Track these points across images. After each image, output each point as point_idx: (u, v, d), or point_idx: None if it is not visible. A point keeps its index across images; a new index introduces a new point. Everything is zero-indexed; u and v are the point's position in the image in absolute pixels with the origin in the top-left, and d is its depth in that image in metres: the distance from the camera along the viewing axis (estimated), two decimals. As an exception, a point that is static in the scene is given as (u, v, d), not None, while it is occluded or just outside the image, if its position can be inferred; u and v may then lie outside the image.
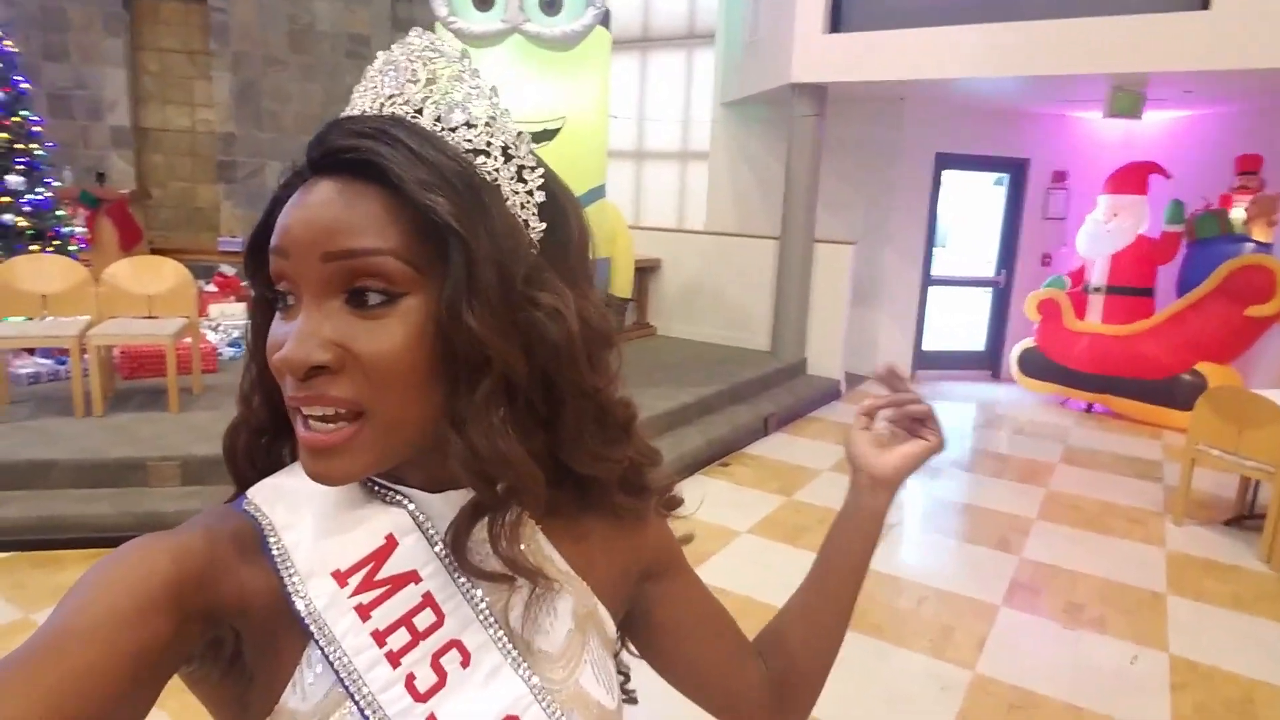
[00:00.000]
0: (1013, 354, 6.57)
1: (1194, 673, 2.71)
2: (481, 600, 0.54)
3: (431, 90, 0.51)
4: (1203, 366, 5.44)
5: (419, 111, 0.51)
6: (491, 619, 0.54)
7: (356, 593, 0.51)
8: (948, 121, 6.72)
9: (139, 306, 4.20)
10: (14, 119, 4.82)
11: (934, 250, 7.11)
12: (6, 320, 3.96)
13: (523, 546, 0.56)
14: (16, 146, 4.81)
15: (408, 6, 8.28)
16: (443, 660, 0.52)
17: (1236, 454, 3.70)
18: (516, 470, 0.51)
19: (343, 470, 0.49)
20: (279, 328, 0.49)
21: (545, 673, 0.55)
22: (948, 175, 6.99)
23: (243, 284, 5.98)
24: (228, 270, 6.08)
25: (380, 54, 0.53)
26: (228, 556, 0.50)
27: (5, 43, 4.97)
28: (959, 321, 7.83)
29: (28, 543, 3.08)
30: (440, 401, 0.49)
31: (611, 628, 0.63)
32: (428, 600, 0.52)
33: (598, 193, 4.82)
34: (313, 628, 0.50)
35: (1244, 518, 3.97)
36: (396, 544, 0.53)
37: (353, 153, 0.48)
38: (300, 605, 0.50)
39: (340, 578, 0.51)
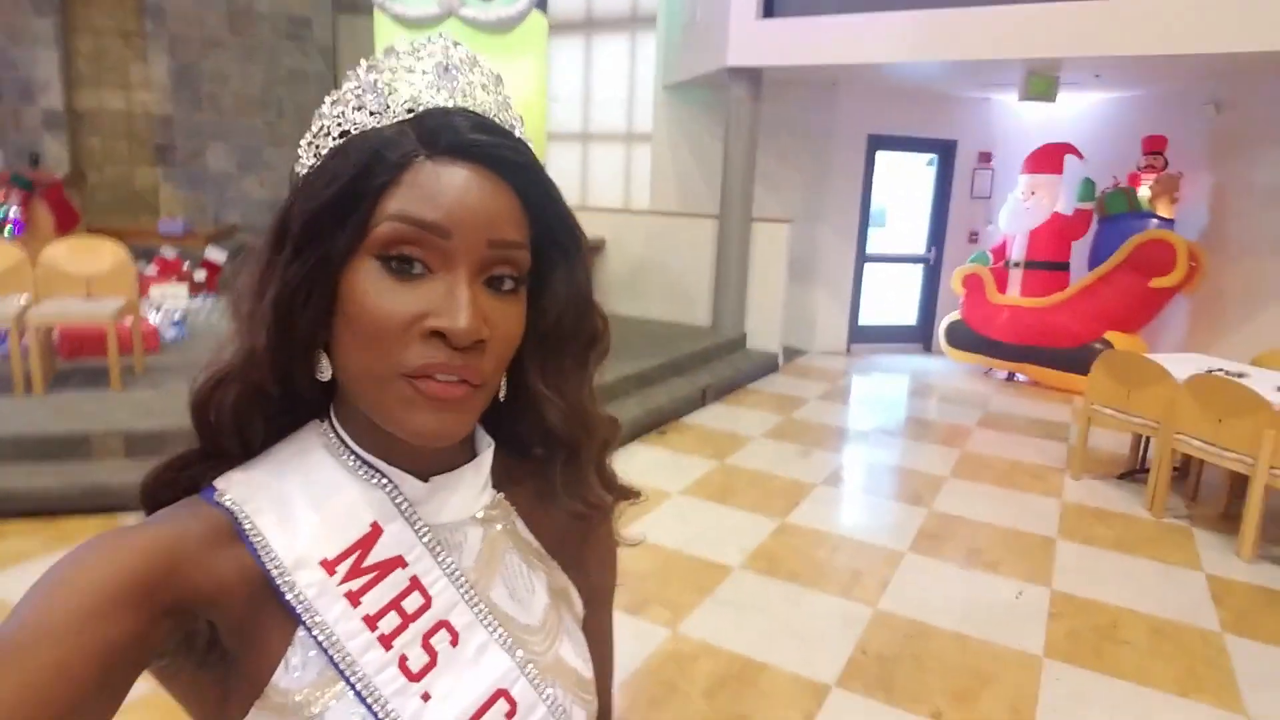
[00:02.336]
0: (940, 327, 6.90)
1: (1070, 604, 3.00)
2: (465, 580, 0.57)
3: (495, 97, 0.55)
4: (1112, 335, 5.81)
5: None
6: (476, 598, 0.57)
7: (345, 580, 0.53)
8: (879, 104, 6.98)
9: (77, 287, 4.23)
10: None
11: (868, 228, 7.39)
12: (-59, 302, 3.96)
13: (500, 527, 0.62)
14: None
15: (349, -13, 8.23)
16: (433, 640, 0.54)
17: (1126, 412, 4.02)
18: (602, 424, 0.63)
19: (457, 428, 0.52)
20: (401, 292, 0.49)
21: (528, 644, 0.59)
22: (881, 156, 7.27)
23: (196, 261, 5.98)
24: (168, 253, 6.06)
25: (411, 44, 0.55)
26: (199, 549, 0.50)
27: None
28: (893, 297, 8.14)
29: (-29, 517, 3.14)
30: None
31: (580, 606, 0.67)
32: (415, 584, 0.55)
33: (537, 173, 4.95)
34: (305, 617, 0.51)
35: (1135, 472, 4.31)
36: (381, 531, 0.55)
37: (510, 152, 0.52)
38: (290, 595, 0.51)
39: (329, 566, 0.53)
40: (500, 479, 0.62)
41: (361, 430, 0.56)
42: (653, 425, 4.81)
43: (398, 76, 0.53)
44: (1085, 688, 2.49)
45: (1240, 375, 3.78)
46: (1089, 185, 6.15)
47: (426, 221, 0.49)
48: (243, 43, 8.13)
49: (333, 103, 0.54)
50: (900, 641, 2.71)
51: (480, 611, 0.56)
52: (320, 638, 0.51)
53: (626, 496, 0.68)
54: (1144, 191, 6.03)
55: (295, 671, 0.51)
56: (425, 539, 0.56)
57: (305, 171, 0.53)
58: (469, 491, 0.59)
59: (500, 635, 0.57)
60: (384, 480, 0.56)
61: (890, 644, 2.70)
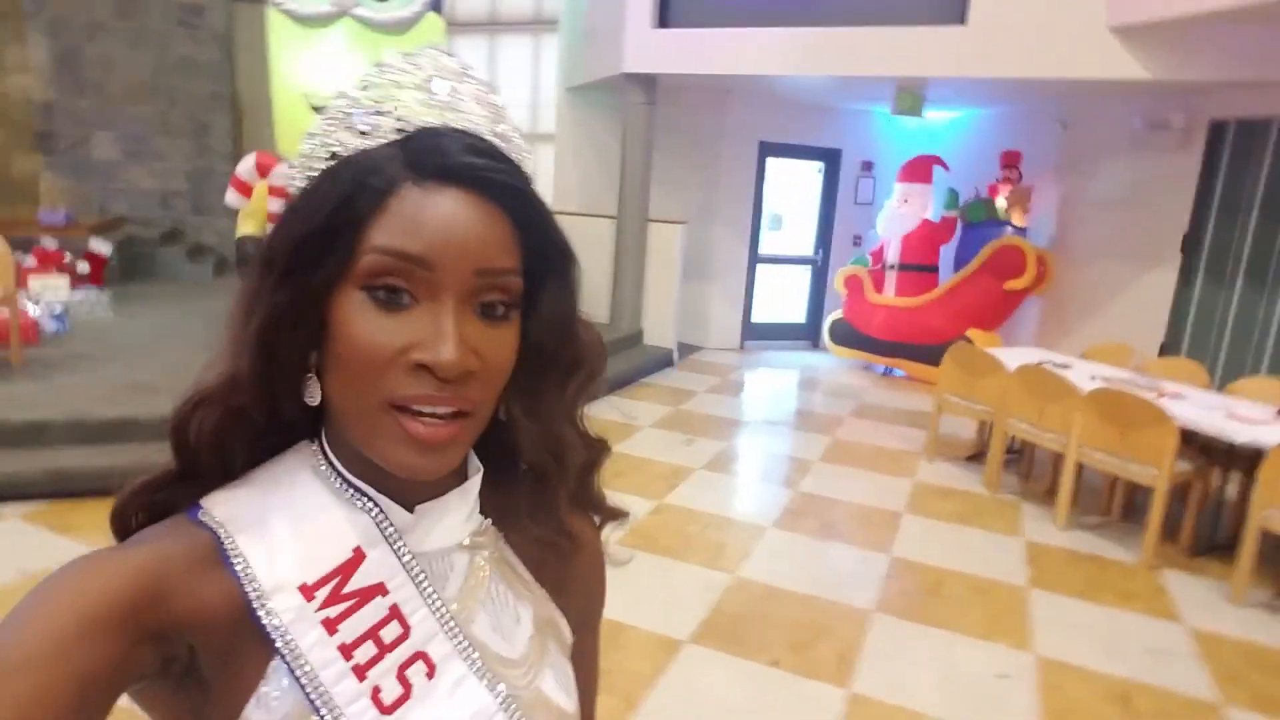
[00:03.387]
0: (825, 325, 7.35)
1: (906, 568, 3.38)
2: (447, 611, 0.55)
3: (487, 109, 0.54)
4: (973, 333, 6.35)
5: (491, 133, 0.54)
6: (456, 629, 0.55)
7: (324, 606, 0.51)
8: (770, 113, 7.38)
9: (-52, 278, 4.11)
10: None
11: (760, 231, 7.79)
12: None
13: (487, 554, 0.61)
14: None
15: (246, -23, 8.08)
16: (408, 672, 0.53)
17: (970, 400, 4.48)
18: (581, 449, 0.62)
19: (445, 464, 0.51)
20: (387, 323, 0.48)
21: (508, 678, 0.57)
22: (771, 162, 7.67)
23: (98, 255, 5.81)
24: (49, 244, 5.87)
25: (400, 56, 0.54)
26: (181, 572, 0.49)
27: None
28: (785, 296, 8.58)
29: None
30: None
31: (568, 633, 0.65)
32: (394, 613, 0.53)
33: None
34: (279, 642, 0.50)
35: (979, 454, 4.79)
36: (364, 557, 0.53)
37: (501, 175, 0.50)
38: (266, 620, 0.50)
39: (307, 591, 0.51)
40: (483, 500, 0.61)
41: (350, 455, 0.55)
42: (546, 416, 5.01)
43: (386, 92, 0.52)
44: (905, 636, 2.85)
45: (1065, 366, 4.28)
46: (953, 195, 6.70)
47: (409, 254, 0.48)
48: (131, 28, 7.88)
49: (325, 119, 0.53)
50: (753, 603, 3.02)
51: (460, 644, 0.55)
52: (293, 664, 0.50)
53: (613, 517, 0.69)
54: (1001, 202, 6.62)
55: (268, 707, 0.50)
56: (409, 566, 0.54)
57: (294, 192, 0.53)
58: (456, 518, 0.58)
59: (480, 669, 0.55)
60: (371, 505, 0.54)
61: (743, 606, 2.99)
